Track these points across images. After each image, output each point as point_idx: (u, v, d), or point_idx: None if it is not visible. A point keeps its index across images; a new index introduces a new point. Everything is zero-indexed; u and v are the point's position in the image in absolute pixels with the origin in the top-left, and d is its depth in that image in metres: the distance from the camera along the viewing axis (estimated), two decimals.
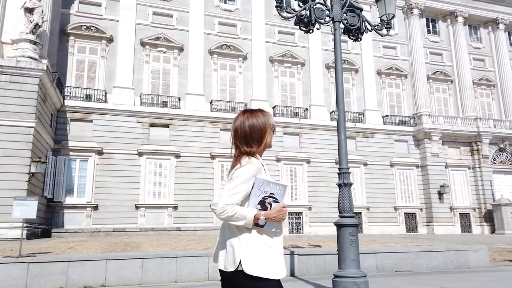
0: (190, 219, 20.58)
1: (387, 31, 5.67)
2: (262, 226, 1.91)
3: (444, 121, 26.35)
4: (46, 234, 17.24)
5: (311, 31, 5.27)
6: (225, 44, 23.93)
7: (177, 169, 21.11)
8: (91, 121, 20.23)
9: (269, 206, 1.95)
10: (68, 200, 19.14)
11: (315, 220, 22.74)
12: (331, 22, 5.20)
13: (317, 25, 5.23)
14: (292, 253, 7.34)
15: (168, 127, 21.61)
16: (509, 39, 31.49)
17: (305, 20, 5.15)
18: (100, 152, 19.98)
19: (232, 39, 24.23)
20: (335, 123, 24.23)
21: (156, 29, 22.75)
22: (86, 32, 21.26)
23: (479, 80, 29.43)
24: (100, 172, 19.83)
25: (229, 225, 1.96)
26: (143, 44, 22.28)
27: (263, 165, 2.02)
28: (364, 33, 5.46)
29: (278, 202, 1.97)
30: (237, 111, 23.07)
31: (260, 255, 1.88)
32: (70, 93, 20.34)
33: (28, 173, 14.83)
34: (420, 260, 7.91)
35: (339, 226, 4.70)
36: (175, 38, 22.94)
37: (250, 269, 1.84)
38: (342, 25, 5.28)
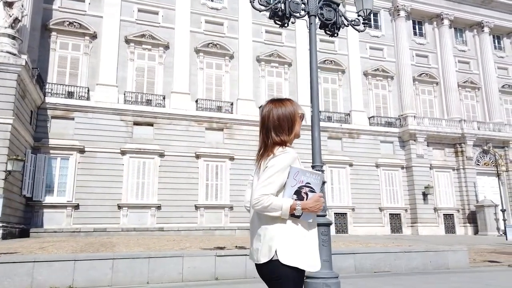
0: (173, 219, 20.31)
1: (364, 27, 5.55)
2: (298, 216, 1.86)
3: (429, 123, 26.53)
4: (24, 234, 16.81)
5: (286, 25, 5.12)
6: (211, 43, 23.71)
7: (161, 169, 20.82)
8: (72, 118, 19.82)
9: (305, 196, 1.89)
10: (48, 199, 18.70)
11: None
12: (306, 16, 5.06)
13: (292, 19, 5.09)
14: None
15: (152, 125, 21.31)
16: (494, 42, 31.91)
17: (280, 13, 5.01)
18: (81, 151, 19.58)
19: (218, 38, 24.01)
20: (321, 124, 24.23)
21: (141, 26, 22.42)
22: (69, 28, 20.83)
23: (464, 82, 29.74)
24: (81, 171, 19.43)
25: (261, 218, 1.92)
26: (127, 41, 21.93)
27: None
28: (341, 28, 5.35)
29: (314, 191, 1.92)
30: (223, 110, 22.96)
31: (296, 245, 1.85)
32: (52, 89, 19.89)
33: (4, 171, 14.42)
34: (399, 261, 7.82)
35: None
36: (161, 35, 22.64)
37: (287, 259, 1.82)
38: (318, 20, 5.14)
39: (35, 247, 8.26)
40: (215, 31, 24.09)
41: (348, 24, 5.35)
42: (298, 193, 1.89)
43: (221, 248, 7.66)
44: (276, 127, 1.99)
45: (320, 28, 5.38)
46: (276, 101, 2.08)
